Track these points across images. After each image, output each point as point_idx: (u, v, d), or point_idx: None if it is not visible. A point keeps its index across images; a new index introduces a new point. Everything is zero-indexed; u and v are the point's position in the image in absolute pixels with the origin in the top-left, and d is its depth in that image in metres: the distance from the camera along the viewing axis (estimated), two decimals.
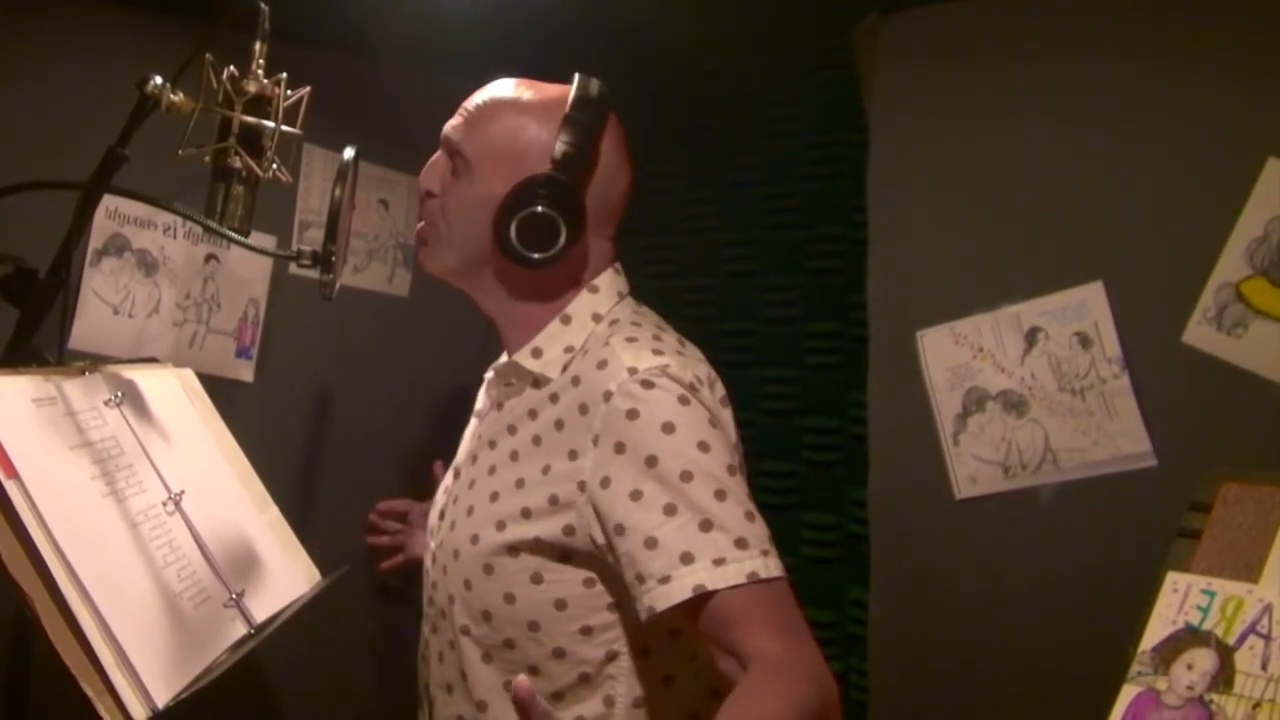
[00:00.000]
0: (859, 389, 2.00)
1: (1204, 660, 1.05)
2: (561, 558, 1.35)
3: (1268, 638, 1.03)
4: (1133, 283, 1.68)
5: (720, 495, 1.25)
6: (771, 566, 1.24)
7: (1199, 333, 1.62)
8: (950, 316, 1.85)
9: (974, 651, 1.82)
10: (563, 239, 1.37)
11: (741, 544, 1.23)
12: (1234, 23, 1.60)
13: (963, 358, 1.83)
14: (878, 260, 1.94)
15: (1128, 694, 1.06)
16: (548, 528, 1.34)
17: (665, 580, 1.23)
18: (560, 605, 1.35)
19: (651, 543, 1.24)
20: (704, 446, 1.28)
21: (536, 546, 1.35)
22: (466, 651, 1.41)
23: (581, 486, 1.31)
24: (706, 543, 1.23)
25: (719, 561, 1.22)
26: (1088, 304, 1.71)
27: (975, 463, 1.82)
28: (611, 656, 1.37)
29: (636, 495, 1.26)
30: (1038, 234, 1.77)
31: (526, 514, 1.35)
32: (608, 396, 1.31)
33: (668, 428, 1.28)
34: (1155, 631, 1.09)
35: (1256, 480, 1.15)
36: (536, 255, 1.37)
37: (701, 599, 1.22)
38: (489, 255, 1.42)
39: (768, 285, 2.29)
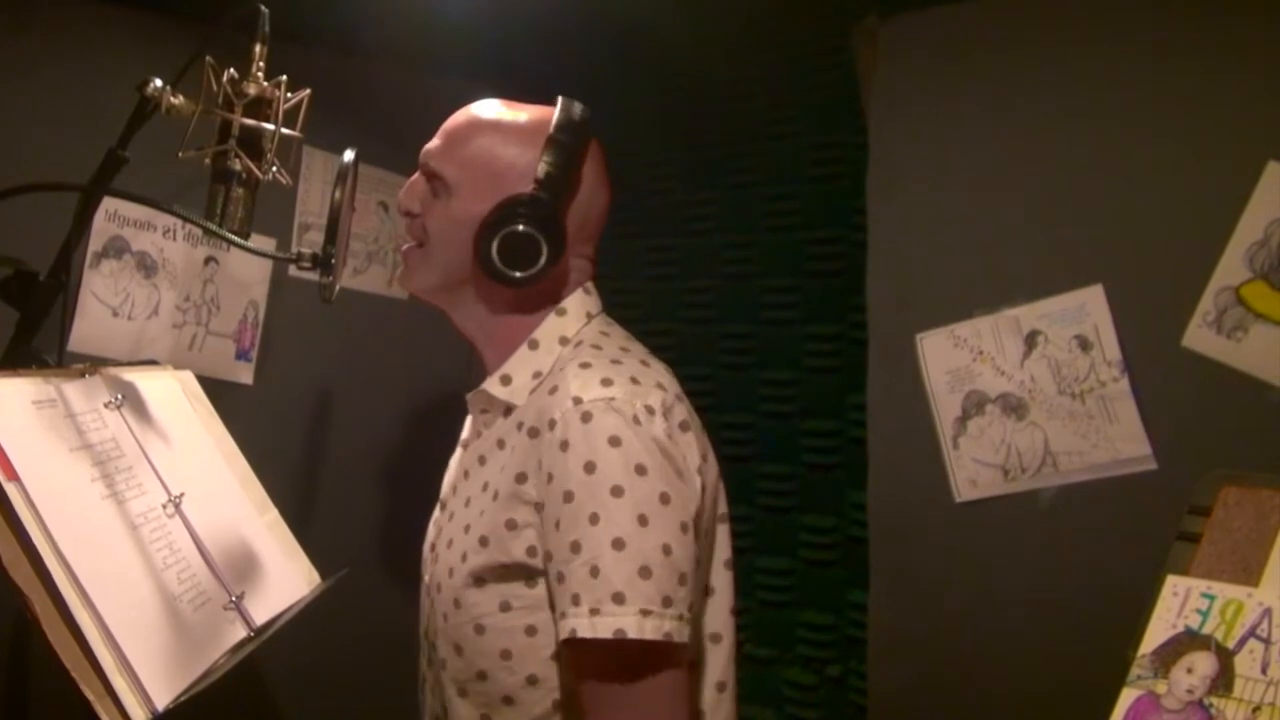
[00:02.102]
0: (858, 391, 2.00)
1: (1204, 664, 1.05)
2: (528, 582, 1.34)
3: (1267, 641, 1.03)
4: (1132, 286, 1.69)
5: (618, 544, 1.23)
6: (646, 628, 1.21)
7: (1199, 336, 1.62)
8: (950, 319, 1.85)
9: (973, 654, 1.82)
10: (544, 258, 1.36)
11: (619, 599, 1.22)
12: (1234, 27, 1.61)
13: (962, 361, 1.83)
14: (877, 262, 1.95)
15: (1127, 697, 1.06)
16: (509, 552, 1.33)
17: (563, 616, 1.25)
18: (530, 631, 1.34)
19: (559, 577, 1.26)
20: (617, 491, 1.25)
21: (502, 573, 1.34)
22: (446, 685, 1.41)
23: (537, 508, 1.31)
24: (590, 589, 1.23)
25: (595, 611, 1.22)
26: (1087, 307, 1.72)
27: (975, 466, 1.82)
28: None
29: (556, 526, 1.27)
30: (1037, 237, 1.77)
31: (485, 542, 1.35)
32: (552, 424, 1.30)
33: (589, 467, 1.26)
34: (1155, 635, 1.09)
35: (1256, 483, 1.15)
36: (519, 274, 1.37)
37: (578, 649, 1.24)
38: (469, 275, 1.42)
39: (767, 287, 2.29)
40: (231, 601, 1.40)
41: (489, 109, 1.45)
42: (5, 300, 1.43)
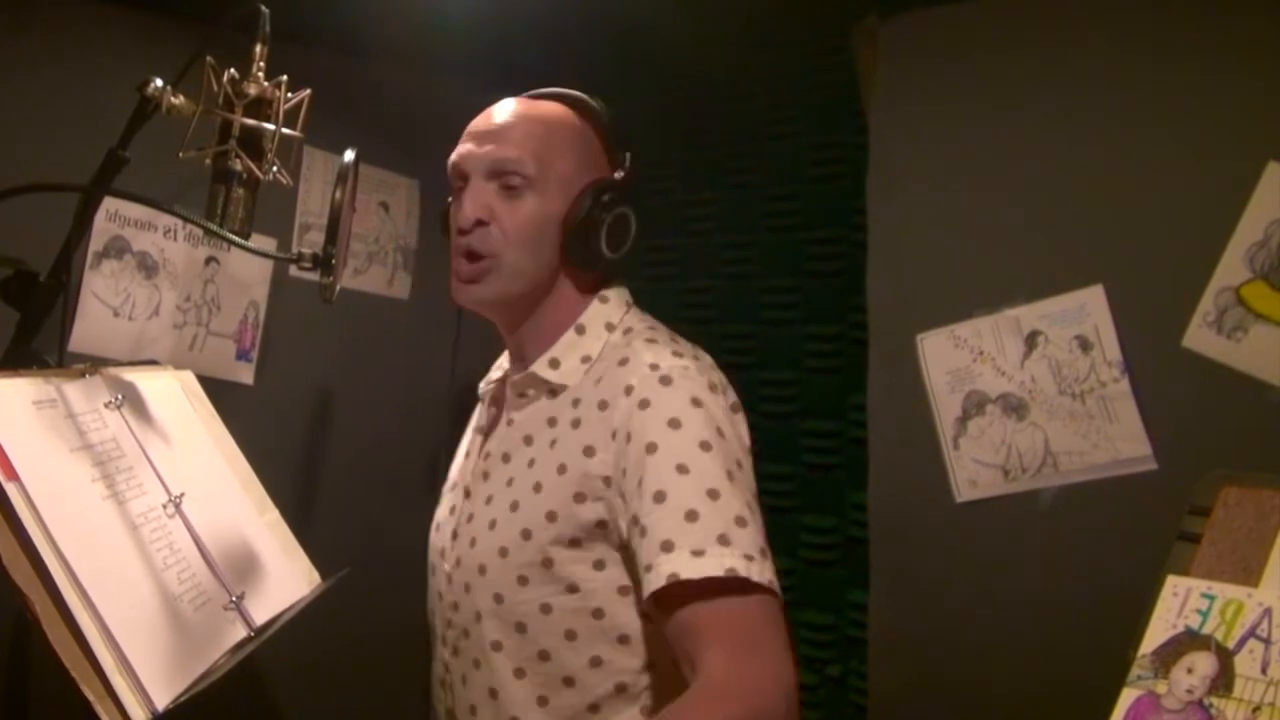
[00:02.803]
0: (859, 392, 2.00)
1: (1204, 664, 1.05)
2: (596, 565, 1.35)
3: (1267, 641, 1.03)
4: (1133, 286, 1.69)
5: (713, 494, 1.25)
6: (753, 570, 1.21)
7: (1199, 336, 1.62)
8: (950, 319, 1.85)
9: (973, 655, 1.82)
10: (631, 237, 1.44)
11: (724, 540, 1.22)
12: (1234, 27, 1.61)
13: (963, 361, 1.83)
14: (878, 263, 1.95)
15: (1127, 697, 1.06)
16: (577, 527, 1.34)
17: (649, 569, 1.23)
18: (598, 614, 1.35)
19: (642, 530, 1.25)
20: (705, 446, 1.28)
21: (571, 549, 1.35)
22: (499, 667, 1.40)
23: (607, 481, 1.32)
24: (688, 533, 1.22)
25: (698, 553, 1.21)
26: (1088, 307, 1.72)
27: (975, 466, 1.82)
28: (649, 665, 1.36)
29: (639, 483, 1.28)
30: (1038, 237, 1.77)
31: (552, 517, 1.36)
32: (628, 390, 1.34)
33: (674, 423, 1.29)
34: (1155, 635, 1.09)
35: (1256, 484, 1.15)
36: (615, 254, 1.44)
37: (677, 595, 1.21)
38: (556, 269, 1.45)
39: (767, 287, 2.29)
40: (232, 601, 1.40)
41: (529, 106, 1.47)
42: (6, 301, 1.43)
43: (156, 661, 1.20)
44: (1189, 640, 1.07)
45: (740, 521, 1.25)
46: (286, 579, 1.56)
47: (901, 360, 1.89)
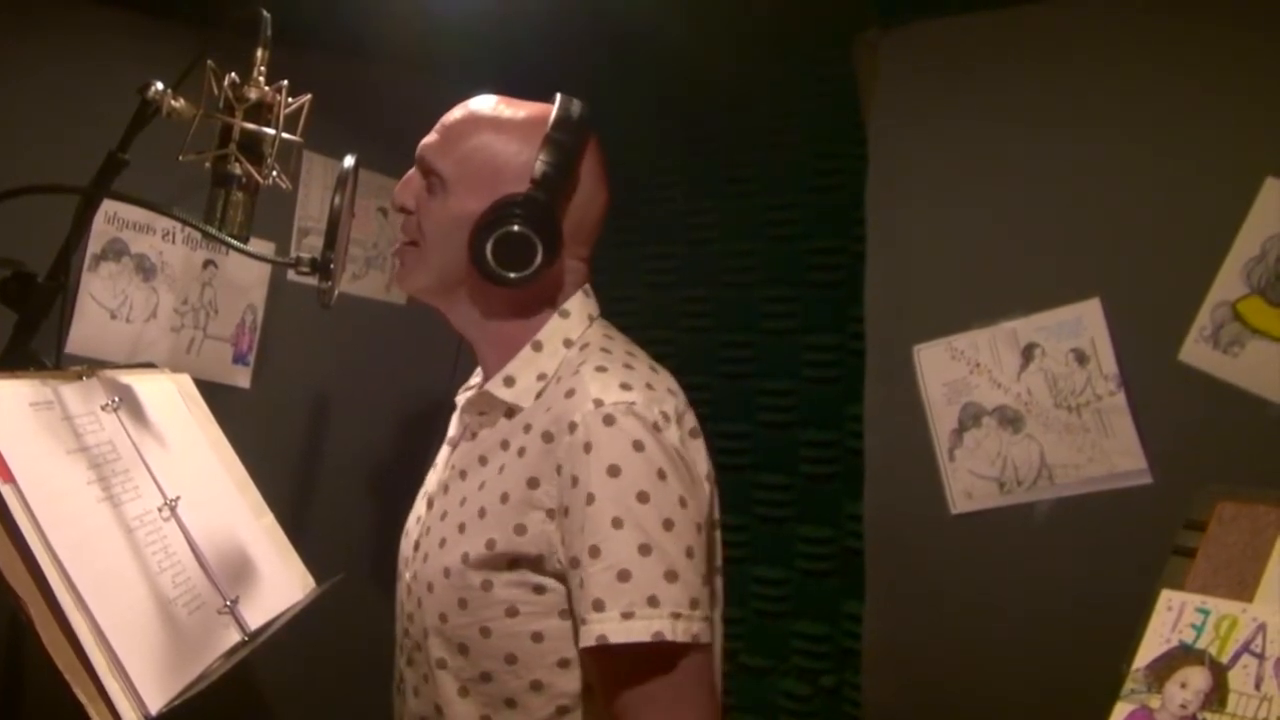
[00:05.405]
0: (856, 402, 2.00)
1: (1197, 679, 1.05)
2: (536, 589, 1.34)
3: (1261, 657, 1.03)
4: (1130, 300, 1.69)
5: (644, 549, 1.25)
6: (679, 630, 1.23)
7: (1195, 351, 1.62)
8: (947, 331, 1.85)
9: (968, 666, 1.82)
10: (538, 259, 1.36)
11: (653, 602, 1.23)
12: (1232, 42, 1.61)
13: (959, 373, 1.83)
14: (876, 274, 1.95)
15: (1121, 711, 1.06)
16: (516, 556, 1.33)
17: (583, 622, 1.25)
18: (537, 638, 1.34)
19: (580, 583, 1.26)
20: (643, 497, 1.26)
21: (509, 577, 1.34)
22: (443, 685, 1.39)
23: (550, 514, 1.31)
24: (619, 594, 1.23)
25: (627, 615, 1.23)
26: (1084, 320, 1.72)
27: (971, 478, 1.82)
28: (589, 689, 1.35)
29: (580, 529, 1.27)
30: (1035, 250, 1.77)
31: (491, 545, 1.34)
32: (572, 427, 1.30)
33: (613, 470, 1.27)
34: (1149, 649, 1.09)
35: (1251, 499, 1.15)
36: (513, 275, 1.36)
37: (605, 650, 1.23)
38: (465, 275, 1.41)
39: (766, 297, 2.29)
40: (226, 606, 1.40)
41: (487, 104, 1.44)
42: (4, 302, 1.43)
43: (150, 665, 1.20)
44: (1183, 655, 1.07)
45: (671, 576, 1.25)
46: (281, 584, 1.56)
47: (899, 371, 1.89)
